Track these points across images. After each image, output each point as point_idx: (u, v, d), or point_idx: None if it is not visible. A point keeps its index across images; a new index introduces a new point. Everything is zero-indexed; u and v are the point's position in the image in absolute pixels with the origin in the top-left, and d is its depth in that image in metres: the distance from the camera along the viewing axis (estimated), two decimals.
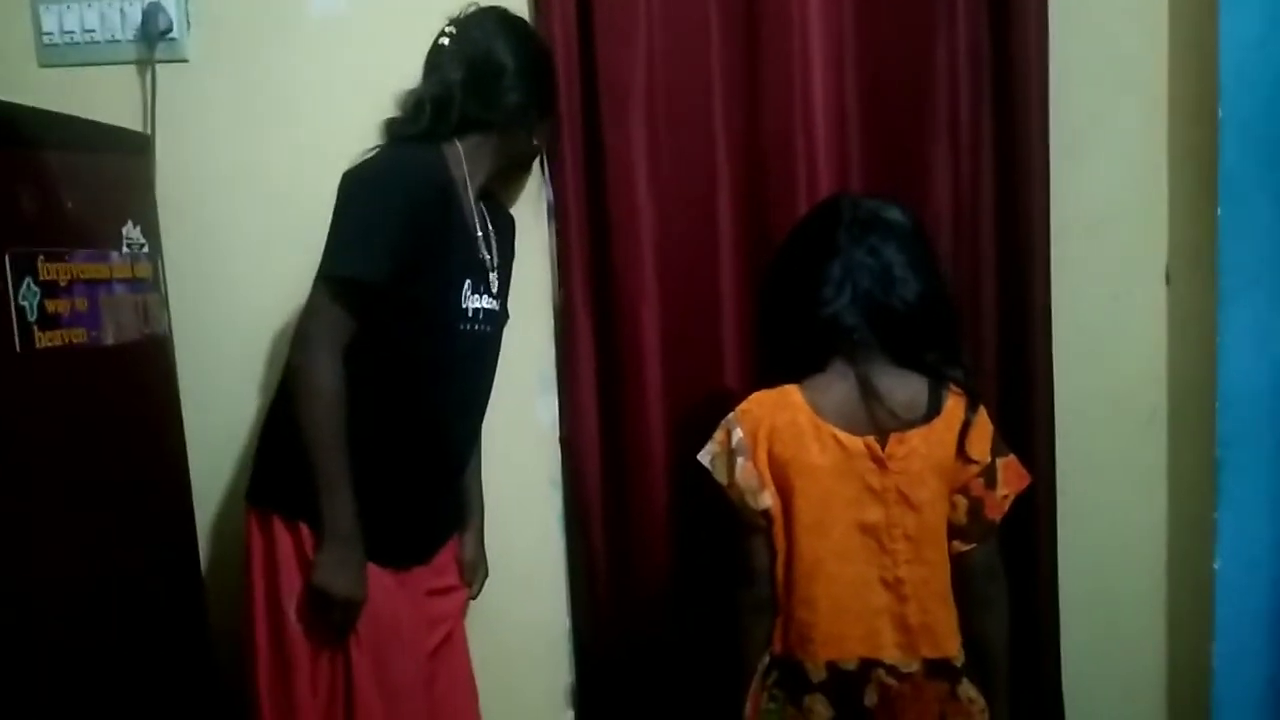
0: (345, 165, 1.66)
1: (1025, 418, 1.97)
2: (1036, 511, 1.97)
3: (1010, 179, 1.96)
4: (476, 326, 1.71)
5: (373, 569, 1.60)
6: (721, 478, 1.50)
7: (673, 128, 1.95)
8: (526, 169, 1.88)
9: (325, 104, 1.89)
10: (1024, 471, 1.51)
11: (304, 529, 1.58)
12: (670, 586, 1.97)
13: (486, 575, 1.91)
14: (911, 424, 1.45)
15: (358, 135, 1.83)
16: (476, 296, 1.69)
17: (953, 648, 1.49)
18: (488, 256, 1.73)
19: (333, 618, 1.55)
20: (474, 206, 1.71)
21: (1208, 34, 1.88)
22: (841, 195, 1.61)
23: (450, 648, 1.80)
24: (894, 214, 1.50)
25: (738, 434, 1.49)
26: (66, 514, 1.48)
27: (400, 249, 1.54)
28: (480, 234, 1.71)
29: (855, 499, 1.45)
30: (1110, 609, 2.07)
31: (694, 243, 1.96)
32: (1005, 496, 1.48)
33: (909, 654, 1.47)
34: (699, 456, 1.53)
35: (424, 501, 1.70)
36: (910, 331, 1.46)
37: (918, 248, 1.48)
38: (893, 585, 1.46)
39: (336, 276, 1.55)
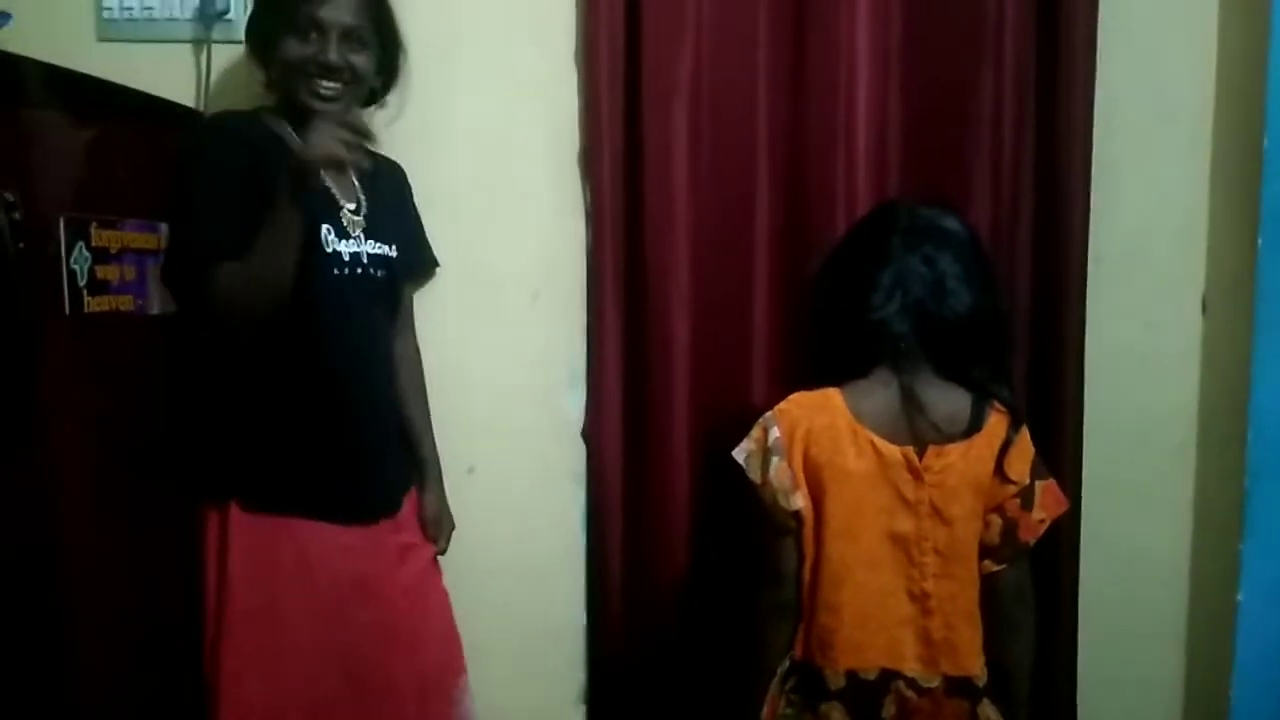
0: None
1: (1053, 443, 1.95)
2: (1059, 537, 1.97)
3: (1049, 204, 1.96)
4: (359, 270, 1.68)
5: (328, 528, 1.63)
6: (755, 476, 1.50)
7: (715, 131, 1.96)
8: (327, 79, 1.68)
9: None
10: (1062, 497, 1.51)
11: (233, 509, 1.60)
12: (687, 587, 1.96)
13: (452, 528, 1.90)
14: (952, 438, 1.45)
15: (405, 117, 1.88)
16: (344, 241, 1.66)
17: (975, 666, 1.48)
18: (351, 203, 1.70)
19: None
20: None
21: (1255, 64, 1.88)
22: (899, 201, 1.61)
23: (423, 600, 1.80)
24: (951, 223, 1.49)
25: (774, 433, 1.49)
26: (107, 476, 1.49)
27: (233, 204, 1.53)
28: (327, 180, 1.62)
29: (888, 508, 1.45)
30: (1130, 638, 2.07)
31: (729, 245, 1.96)
32: (1041, 520, 1.48)
33: (930, 668, 1.46)
34: (734, 453, 1.53)
35: (354, 451, 1.69)
36: (958, 344, 1.46)
37: (974, 260, 1.48)
38: (919, 598, 1.46)
39: (191, 241, 1.55)
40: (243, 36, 1.73)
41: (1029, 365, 1.98)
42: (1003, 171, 1.96)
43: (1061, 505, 1.50)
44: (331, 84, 1.64)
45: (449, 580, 1.89)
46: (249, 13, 1.72)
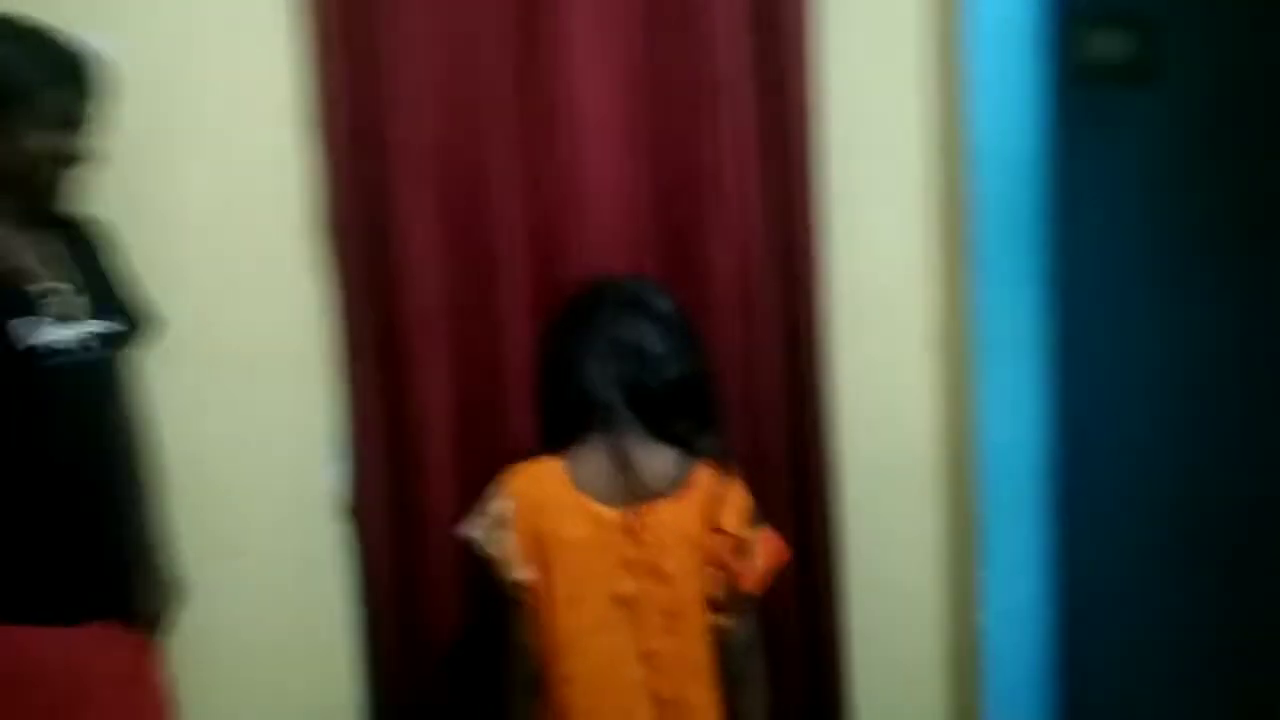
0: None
1: (806, 482, 2.04)
2: (820, 572, 2.05)
3: (786, 247, 2.02)
4: (70, 358, 1.60)
5: (48, 631, 1.56)
6: (487, 551, 1.51)
7: (458, 192, 1.94)
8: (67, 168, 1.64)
9: (110, 179, 1.78)
10: (782, 545, 1.57)
11: None
12: (461, 660, 1.93)
13: (177, 595, 1.80)
14: (661, 494, 1.49)
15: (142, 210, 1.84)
16: (52, 329, 1.58)
17: None
18: (54, 285, 1.61)
19: None
20: (9, 241, 1.58)
21: (958, 117, 2.01)
22: (603, 276, 1.67)
23: (137, 694, 1.72)
24: (653, 295, 1.57)
25: (501, 506, 1.51)
26: None
27: None
28: (24, 268, 1.57)
29: (609, 572, 1.48)
30: (893, 664, 2.14)
31: (482, 307, 1.94)
32: (762, 570, 1.53)
33: None
34: (464, 529, 1.53)
35: (79, 548, 1.61)
36: (663, 406, 1.51)
37: (675, 328, 1.55)
38: (647, 658, 1.49)
39: None
40: None
41: (784, 411, 2.06)
42: (738, 224, 1.99)
43: (781, 553, 1.56)
44: (70, 170, 1.60)
45: (212, 666, 1.85)
46: None
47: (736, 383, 2.01)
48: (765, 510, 1.93)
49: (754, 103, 2.02)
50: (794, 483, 2.06)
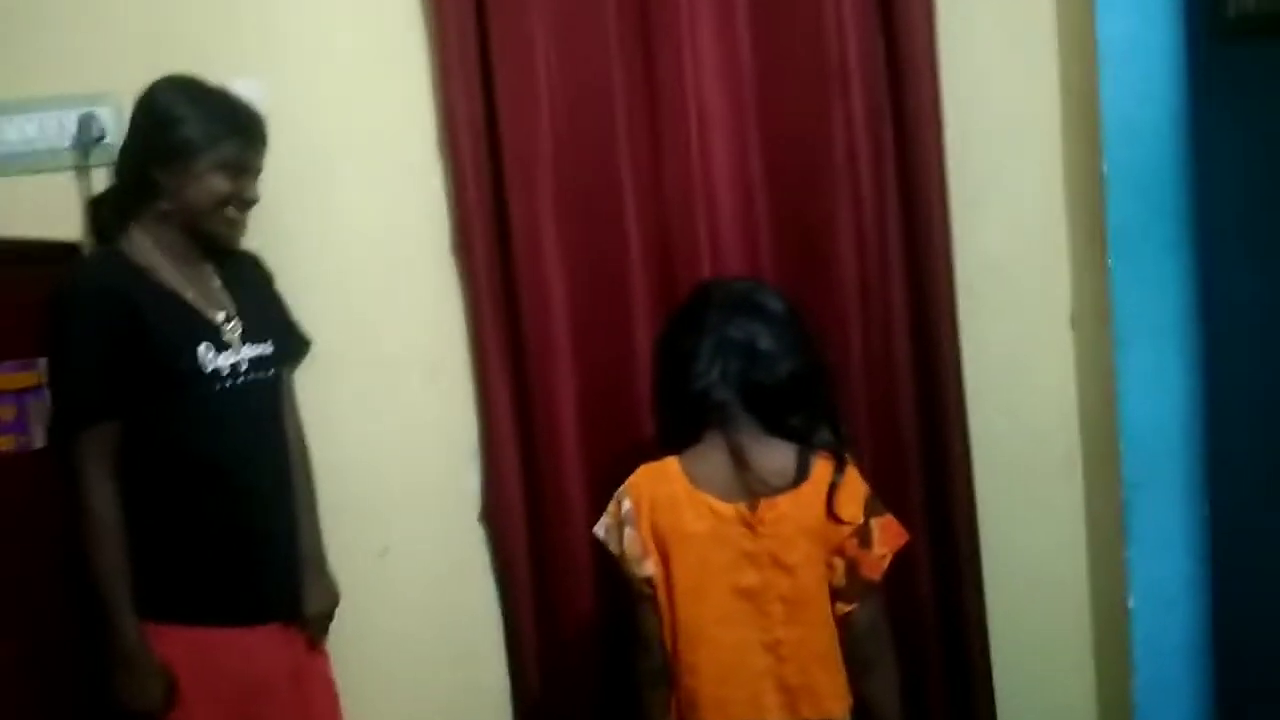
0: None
1: (944, 470, 2.05)
2: (959, 557, 2.05)
3: (913, 232, 2.04)
4: (240, 379, 1.77)
5: (228, 632, 1.72)
6: (614, 548, 1.58)
7: (580, 198, 2.02)
8: (241, 211, 1.82)
9: (269, 206, 1.94)
10: (901, 530, 1.58)
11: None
12: (602, 657, 2.02)
13: (338, 597, 1.95)
14: (780, 489, 1.52)
15: (299, 236, 1.99)
16: (223, 354, 1.75)
17: (837, 709, 1.55)
18: (221, 314, 1.78)
19: None
20: (184, 275, 1.77)
21: (1090, 85, 1.95)
22: (714, 278, 1.74)
23: (309, 689, 1.87)
24: (763, 295, 1.60)
25: (626, 505, 1.57)
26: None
27: (110, 364, 1.64)
28: (196, 298, 1.76)
29: (731, 564, 1.52)
30: (1036, 648, 2.13)
31: (606, 311, 2.03)
32: (882, 555, 1.55)
33: (792, 715, 1.53)
34: (595, 529, 1.62)
35: (250, 560, 1.77)
36: (778, 404, 1.54)
37: (787, 325, 1.57)
38: (772, 647, 1.53)
39: (67, 406, 1.66)
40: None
41: (915, 399, 2.06)
42: (865, 208, 2.03)
43: (901, 537, 1.57)
44: (243, 215, 1.80)
45: (366, 663, 1.99)
46: (144, 142, 1.75)
47: (866, 372, 2.05)
48: (899, 497, 1.97)
49: (881, 89, 2.03)
50: (929, 469, 2.07)
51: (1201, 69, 1.89)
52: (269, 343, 1.85)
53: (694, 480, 1.55)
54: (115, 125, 1.95)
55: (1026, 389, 2.13)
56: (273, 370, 1.87)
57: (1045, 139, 2.09)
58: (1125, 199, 1.94)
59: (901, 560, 1.91)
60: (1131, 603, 1.99)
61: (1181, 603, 1.99)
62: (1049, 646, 2.14)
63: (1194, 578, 1.98)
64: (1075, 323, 2.11)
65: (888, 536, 1.56)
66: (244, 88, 1.88)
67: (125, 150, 1.81)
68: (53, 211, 1.94)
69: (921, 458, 2.07)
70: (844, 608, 1.56)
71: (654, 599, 1.56)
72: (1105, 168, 1.94)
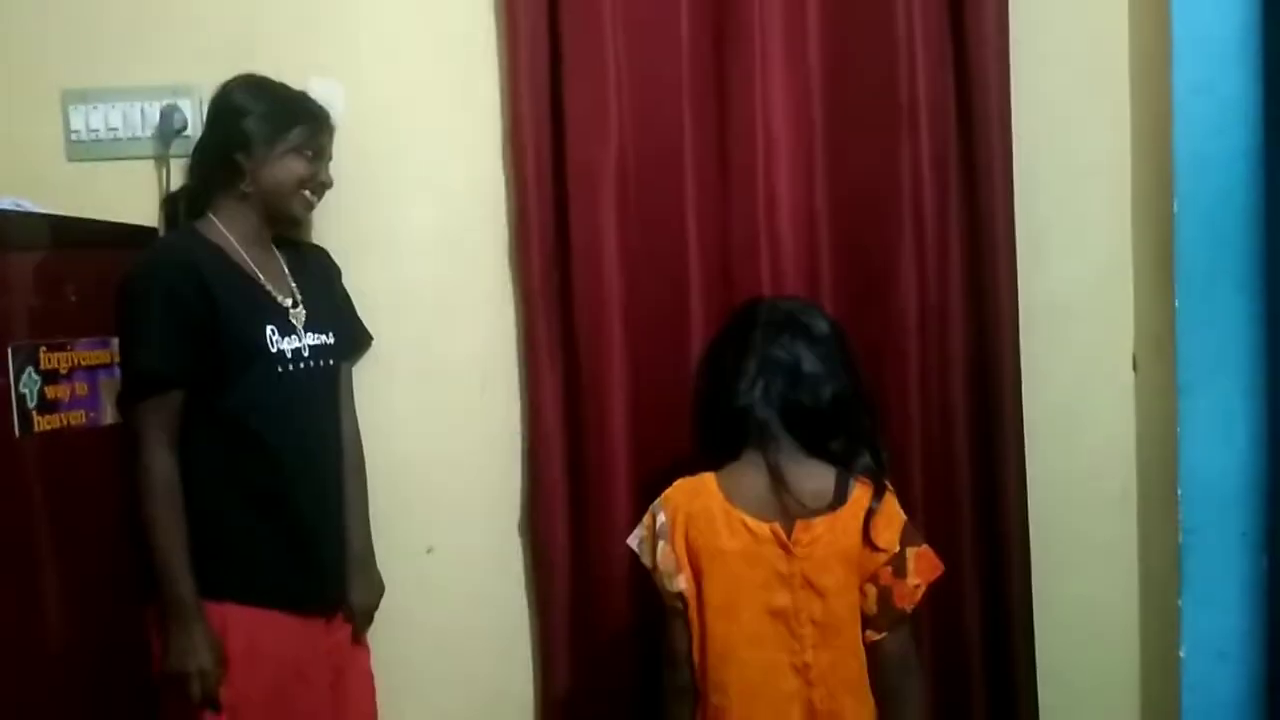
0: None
1: (998, 503, 2.02)
2: (1010, 599, 2.01)
3: (977, 269, 2.02)
4: (302, 364, 1.83)
5: (273, 615, 1.76)
6: (647, 560, 1.59)
7: (642, 213, 2.03)
8: (316, 194, 1.91)
9: (336, 208, 2.02)
10: (937, 562, 1.56)
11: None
12: (632, 666, 2.02)
13: (382, 592, 2.01)
14: (818, 511, 1.51)
15: (363, 235, 2.04)
16: (288, 338, 1.82)
17: None
18: (289, 300, 1.85)
19: (193, 692, 1.67)
20: (255, 259, 1.84)
21: (1163, 126, 1.92)
22: (760, 298, 1.73)
23: (346, 680, 1.91)
24: (809, 315, 1.59)
25: (660, 518, 1.58)
26: (64, 580, 1.64)
27: (180, 335, 1.70)
28: (267, 283, 1.83)
29: (764, 584, 1.52)
30: (1084, 694, 2.09)
31: (661, 330, 2.03)
32: (917, 586, 1.53)
33: None
34: (628, 540, 1.62)
35: (302, 544, 1.81)
36: (818, 425, 1.54)
37: (832, 348, 1.57)
38: (801, 670, 1.52)
39: (135, 372, 1.72)
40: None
41: (971, 438, 2.03)
42: (928, 243, 2.02)
43: (936, 570, 1.55)
44: (318, 197, 1.90)
45: (403, 658, 2.03)
46: (225, 131, 1.84)
47: (923, 409, 2.02)
48: (952, 536, 1.96)
49: (951, 122, 2.01)
50: (983, 511, 2.04)
51: (1274, 108, 1.85)
52: (331, 334, 1.90)
53: (731, 497, 1.54)
54: (195, 118, 2.03)
55: (1085, 429, 2.09)
56: (333, 361, 1.92)
57: (1114, 177, 2.06)
58: (1194, 238, 1.91)
59: (950, 600, 1.93)
60: (1183, 653, 1.93)
61: (1234, 656, 1.93)
62: (1097, 693, 2.10)
63: (1249, 631, 1.93)
64: (1138, 363, 2.07)
65: (923, 567, 1.54)
66: (320, 87, 1.94)
67: (203, 143, 1.89)
68: (132, 198, 2.02)
69: (976, 498, 2.04)
70: (874, 635, 1.54)
71: (685, 614, 1.56)
72: (1175, 206, 1.90)
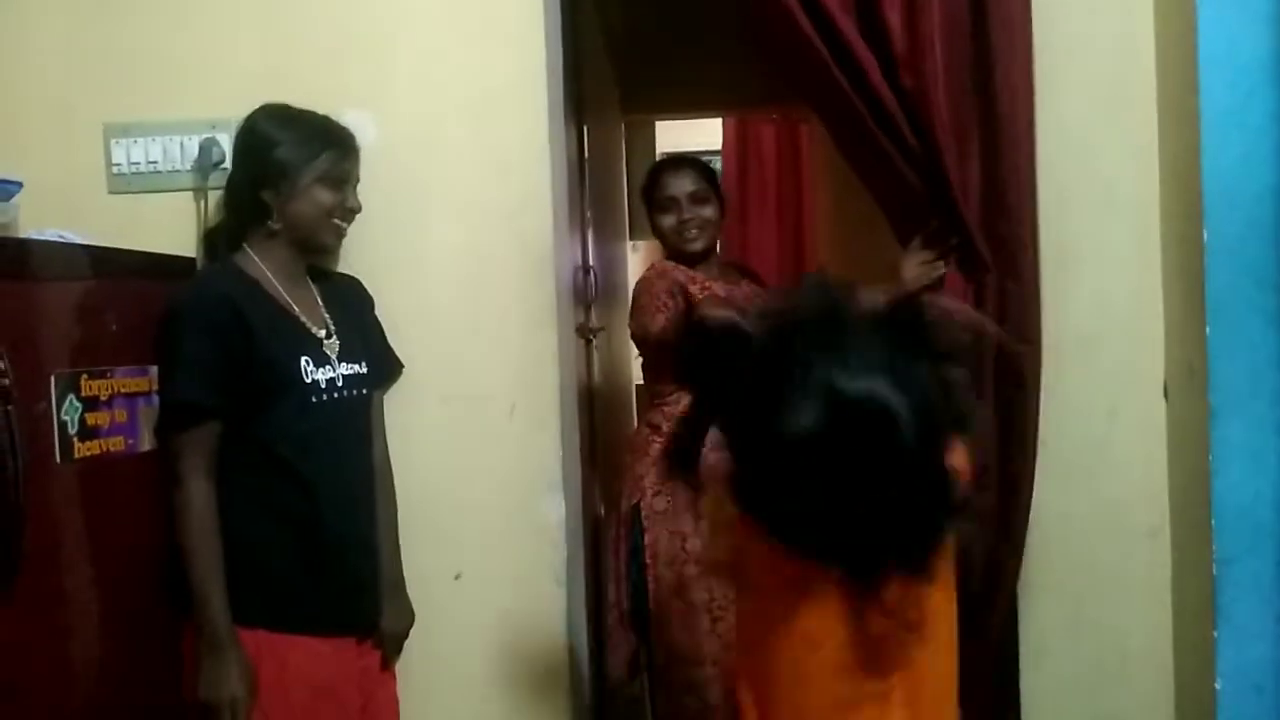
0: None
1: (999, 545, 2.01)
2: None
3: (1002, 301, 2.01)
4: (335, 394, 1.85)
5: (306, 640, 1.77)
6: None
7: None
8: (346, 221, 1.93)
9: (366, 235, 2.04)
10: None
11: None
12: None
13: (413, 619, 2.02)
14: None
15: (393, 260, 2.07)
16: (322, 369, 1.84)
17: None
18: (323, 331, 1.88)
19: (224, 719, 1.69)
20: (290, 291, 1.86)
21: (1191, 154, 1.92)
22: None
23: (375, 704, 1.91)
24: None
25: None
26: (101, 605, 1.66)
27: (218, 367, 1.73)
28: (301, 315, 1.86)
29: None
30: None
31: None
32: None
33: None
34: None
35: (334, 571, 1.82)
36: None
37: None
38: None
39: (175, 403, 1.74)
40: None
41: (998, 460, 2.02)
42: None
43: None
44: (347, 223, 1.93)
45: (431, 682, 2.04)
46: (252, 166, 1.87)
47: None
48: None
49: (976, 155, 2.01)
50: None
51: None
52: (363, 363, 1.93)
53: None
54: (232, 151, 2.06)
55: (1116, 459, 2.08)
56: (365, 390, 1.94)
57: (1143, 206, 2.06)
58: (1225, 267, 1.91)
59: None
60: (1218, 685, 1.91)
61: (1271, 689, 1.91)
62: None
63: None
64: (1169, 392, 2.06)
65: None
66: (353, 119, 1.98)
67: (232, 180, 1.93)
68: (171, 229, 2.06)
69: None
70: None
71: None
72: (1206, 235, 1.90)
